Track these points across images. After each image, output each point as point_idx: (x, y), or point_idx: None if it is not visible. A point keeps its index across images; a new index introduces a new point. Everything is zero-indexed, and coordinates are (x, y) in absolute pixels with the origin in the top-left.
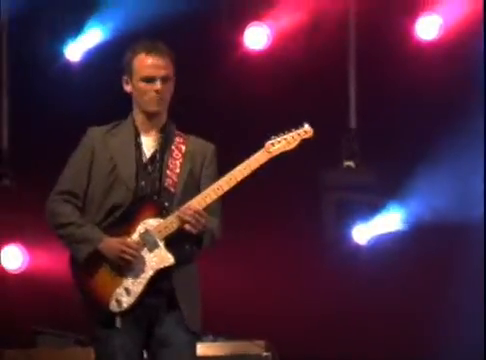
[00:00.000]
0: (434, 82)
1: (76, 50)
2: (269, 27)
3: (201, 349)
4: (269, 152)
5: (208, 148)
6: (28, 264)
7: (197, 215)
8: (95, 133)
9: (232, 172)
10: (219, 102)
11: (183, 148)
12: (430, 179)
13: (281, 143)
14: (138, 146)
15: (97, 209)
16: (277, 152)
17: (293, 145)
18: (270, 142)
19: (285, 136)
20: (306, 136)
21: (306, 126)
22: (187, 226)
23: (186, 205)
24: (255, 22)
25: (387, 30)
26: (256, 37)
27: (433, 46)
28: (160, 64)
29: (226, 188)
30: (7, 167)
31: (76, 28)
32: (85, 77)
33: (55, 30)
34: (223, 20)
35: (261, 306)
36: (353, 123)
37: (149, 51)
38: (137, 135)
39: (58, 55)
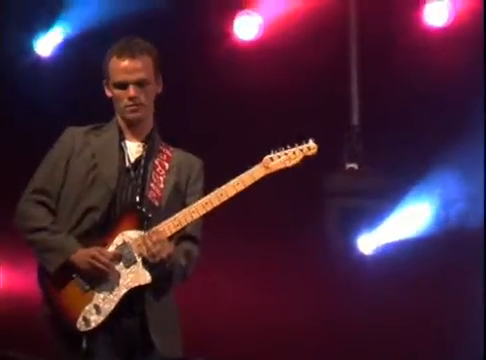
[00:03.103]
0: (445, 73)
1: (46, 44)
2: (261, 16)
3: None
4: (267, 168)
5: (195, 163)
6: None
7: (159, 247)
8: (75, 131)
9: (224, 187)
10: (207, 94)
11: (169, 161)
12: (442, 182)
13: (281, 158)
14: (122, 149)
15: (70, 211)
16: (275, 168)
17: (294, 162)
18: (269, 156)
19: (286, 151)
20: (309, 153)
21: (310, 142)
22: (145, 252)
23: (153, 229)
24: (245, 11)
25: (391, 17)
26: (246, 27)
27: (443, 33)
28: (132, 67)
29: (216, 203)
30: None
31: (46, 22)
32: (55, 72)
33: (25, 24)
34: (211, 8)
35: (258, 326)
36: (355, 120)
37: (120, 54)
38: (121, 139)
39: (28, 49)
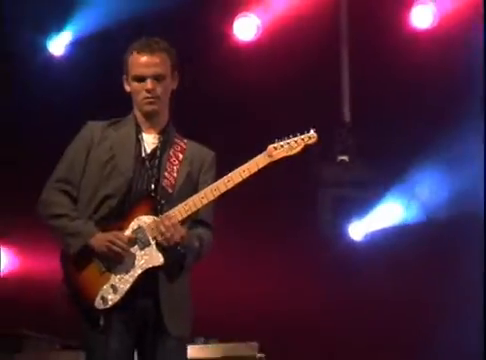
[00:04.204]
0: (431, 72)
1: (59, 44)
2: (259, 18)
3: (193, 352)
4: (271, 156)
5: (207, 154)
6: (13, 266)
7: (172, 230)
8: (94, 126)
9: (230, 174)
10: (210, 89)
11: (183, 152)
12: (427, 173)
13: (284, 148)
14: (139, 141)
15: (89, 199)
16: (279, 156)
17: (296, 150)
18: (273, 146)
19: (288, 141)
20: (310, 142)
21: (312, 132)
22: (159, 237)
23: (166, 214)
24: (244, 13)
25: (381, 19)
26: (245, 28)
27: (428, 35)
28: (150, 62)
29: (223, 189)
30: None
31: (59, 23)
32: (67, 69)
33: (38, 24)
34: (212, 11)
35: (256, 306)
36: (347, 116)
37: (140, 50)
38: (138, 132)
39: (41, 48)
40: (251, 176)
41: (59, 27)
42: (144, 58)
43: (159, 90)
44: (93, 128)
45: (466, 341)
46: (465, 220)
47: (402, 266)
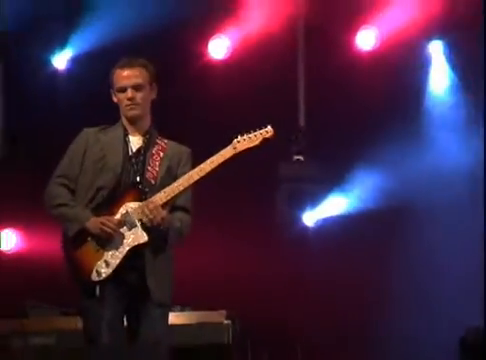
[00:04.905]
0: (373, 86)
1: (62, 59)
2: (229, 40)
3: (170, 318)
4: (234, 148)
5: (185, 151)
6: (20, 246)
7: (155, 212)
8: (89, 131)
9: (201, 165)
10: (186, 100)
11: (164, 150)
12: (367, 172)
13: (246, 140)
14: (126, 142)
15: (86, 191)
16: (242, 148)
17: (256, 143)
18: (236, 140)
19: (249, 135)
20: (268, 135)
21: (268, 127)
22: (144, 218)
23: (149, 199)
24: (217, 35)
25: (331, 41)
26: (218, 48)
27: (371, 55)
28: (131, 74)
29: (196, 178)
30: (2, 160)
31: (62, 40)
32: (69, 84)
33: (44, 42)
34: (191, 34)
35: (225, 281)
36: (302, 122)
37: (122, 66)
38: (126, 134)
39: (46, 63)
40: (220, 166)
41: (62, 45)
42: (125, 72)
43: (139, 98)
44: (88, 133)
45: (403, 319)
46: (395, 211)
47: (344, 246)
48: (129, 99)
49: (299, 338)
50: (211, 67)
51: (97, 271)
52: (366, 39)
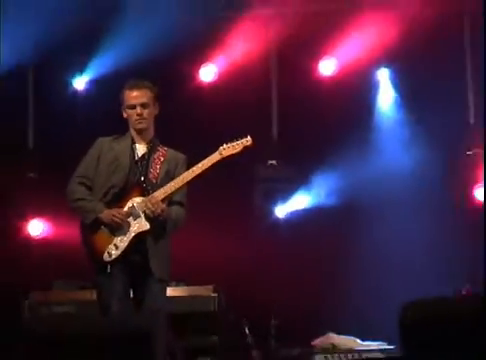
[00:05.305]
0: (333, 105)
1: (81, 81)
2: (216, 66)
3: (168, 291)
4: (221, 154)
5: (181, 157)
6: (47, 233)
7: (156, 205)
8: (103, 140)
9: (193, 168)
10: (180, 118)
11: (164, 156)
12: (328, 174)
13: (230, 148)
14: (133, 149)
15: (100, 188)
16: (227, 154)
17: (238, 150)
18: (222, 147)
19: (233, 143)
20: (247, 144)
21: (248, 137)
22: (147, 210)
23: (151, 195)
24: (207, 62)
25: (298, 68)
26: (207, 73)
27: (331, 79)
28: (138, 95)
29: (189, 178)
30: (33, 164)
31: (81, 65)
32: (87, 102)
33: (65, 65)
34: (185, 61)
35: (212, 261)
36: (275, 134)
37: (131, 87)
38: (133, 143)
39: (69, 85)
40: (208, 169)
41: (81, 70)
42: (134, 93)
43: (145, 114)
44: (102, 141)
45: (353, 294)
46: (349, 207)
47: (308, 235)
48: (138, 115)
49: (271, 306)
50: (202, 88)
51: (108, 253)
52: (327, 67)
